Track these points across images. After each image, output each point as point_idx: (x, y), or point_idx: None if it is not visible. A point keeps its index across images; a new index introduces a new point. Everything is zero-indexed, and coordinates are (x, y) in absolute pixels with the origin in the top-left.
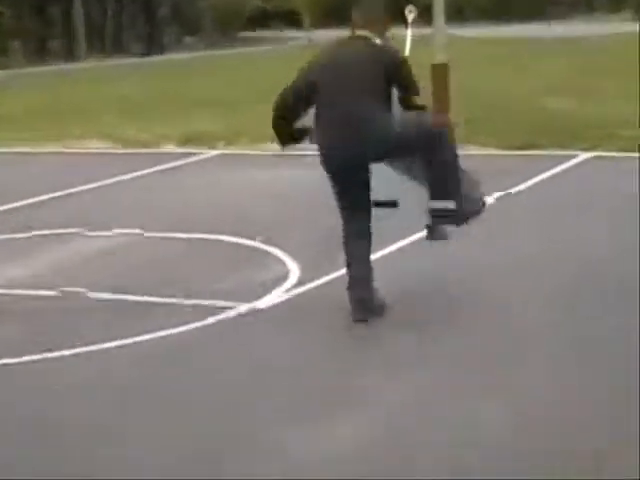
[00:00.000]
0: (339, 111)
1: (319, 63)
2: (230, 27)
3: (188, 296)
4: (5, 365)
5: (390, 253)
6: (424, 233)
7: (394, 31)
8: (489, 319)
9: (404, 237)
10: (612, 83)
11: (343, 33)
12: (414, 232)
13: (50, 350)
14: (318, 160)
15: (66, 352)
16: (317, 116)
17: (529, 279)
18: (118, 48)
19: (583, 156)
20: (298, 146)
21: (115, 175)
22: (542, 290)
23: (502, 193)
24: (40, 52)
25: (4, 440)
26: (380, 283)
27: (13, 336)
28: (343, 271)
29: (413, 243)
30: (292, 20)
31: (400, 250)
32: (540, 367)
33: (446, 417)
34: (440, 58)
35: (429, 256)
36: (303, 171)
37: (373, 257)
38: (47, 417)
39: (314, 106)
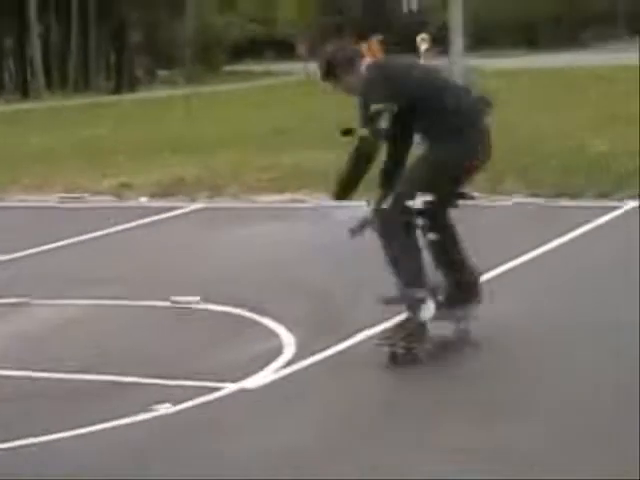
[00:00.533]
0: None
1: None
2: (213, 59)
3: (165, 375)
4: None
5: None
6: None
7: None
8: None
9: None
10: None
11: None
12: None
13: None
14: (313, 214)
15: (20, 442)
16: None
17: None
18: (83, 84)
19: (629, 206)
20: None
21: (81, 233)
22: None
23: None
24: None
25: None
26: None
27: None
28: (347, 344)
29: None
30: (285, 50)
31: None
32: None
33: None
34: None
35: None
36: (299, 225)
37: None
38: None
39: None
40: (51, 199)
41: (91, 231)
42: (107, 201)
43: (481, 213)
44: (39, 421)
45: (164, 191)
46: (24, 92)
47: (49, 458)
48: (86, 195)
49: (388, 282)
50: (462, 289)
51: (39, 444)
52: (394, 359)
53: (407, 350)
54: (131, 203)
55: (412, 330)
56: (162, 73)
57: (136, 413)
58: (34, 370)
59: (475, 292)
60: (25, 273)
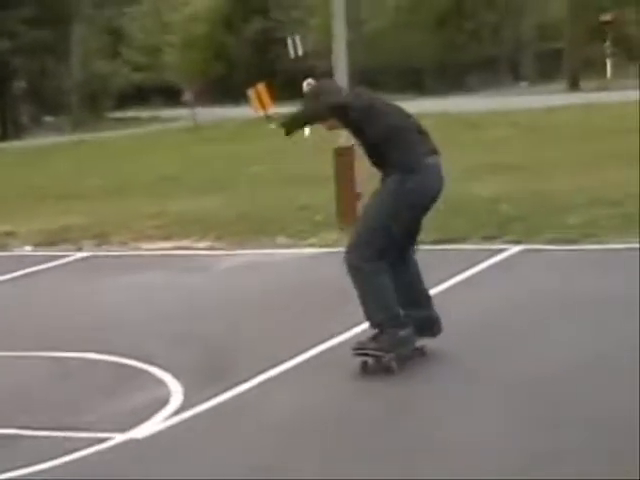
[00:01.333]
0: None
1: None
2: (99, 105)
3: (52, 426)
4: None
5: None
6: None
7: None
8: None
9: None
10: (546, 163)
11: (231, 112)
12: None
13: None
14: (199, 261)
15: None
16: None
17: None
18: None
19: (512, 250)
20: None
21: None
22: None
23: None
24: None
25: None
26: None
27: None
28: (232, 393)
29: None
30: (172, 96)
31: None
32: None
33: None
34: (343, 141)
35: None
36: (183, 275)
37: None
38: None
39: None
40: None
41: None
42: None
43: None
44: None
45: (49, 239)
46: None
47: None
48: None
49: (276, 329)
50: (427, 323)
51: None
52: (365, 368)
53: (377, 359)
54: (15, 252)
55: (385, 342)
56: (48, 119)
57: (23, 466)
58: None
59: (437, 325)
60: None
